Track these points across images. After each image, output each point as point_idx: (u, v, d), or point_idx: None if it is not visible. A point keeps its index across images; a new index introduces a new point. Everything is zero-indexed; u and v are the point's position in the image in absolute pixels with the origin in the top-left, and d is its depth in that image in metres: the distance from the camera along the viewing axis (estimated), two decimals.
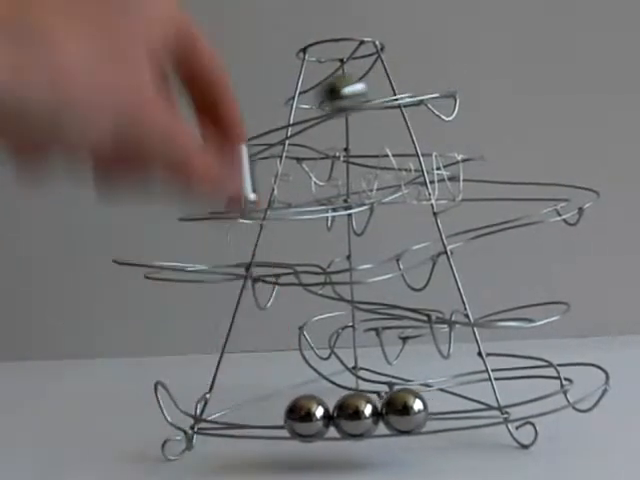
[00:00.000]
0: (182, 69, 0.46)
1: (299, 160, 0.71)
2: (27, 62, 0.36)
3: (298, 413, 0.57)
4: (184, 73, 0.46)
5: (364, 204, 0.65)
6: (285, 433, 0.57)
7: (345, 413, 0.56)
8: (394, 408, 0.56)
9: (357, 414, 0.56)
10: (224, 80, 0.48)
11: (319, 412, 0.57)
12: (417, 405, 0.56)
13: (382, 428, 0.57)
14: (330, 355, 0.74)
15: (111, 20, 0.40)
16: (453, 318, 0.61)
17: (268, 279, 0.65)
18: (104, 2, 0.40)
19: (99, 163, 0.42)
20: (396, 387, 0.59)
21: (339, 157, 0.71)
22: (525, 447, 0.60)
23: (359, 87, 0.63)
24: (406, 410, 0.56)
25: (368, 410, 0.56)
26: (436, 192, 0.63)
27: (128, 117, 0.40)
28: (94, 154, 0.41)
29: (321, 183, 0.67)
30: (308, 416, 0.56)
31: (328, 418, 0.57)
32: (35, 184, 0.42)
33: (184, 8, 0.44)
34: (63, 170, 0.42)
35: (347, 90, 0.62)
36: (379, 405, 0.57)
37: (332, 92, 0.62)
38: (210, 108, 0.48)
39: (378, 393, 0.60)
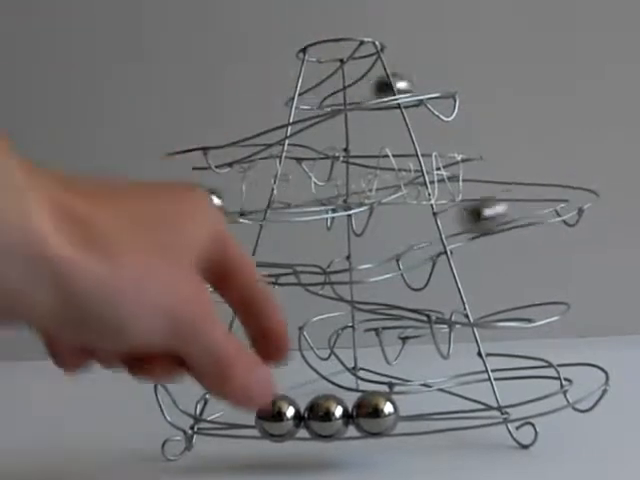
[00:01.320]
0: (218, 278, 0.47)
1: (299, 160, 0.71)
2: (94, 256, 0.37)
3: (270, 412, 0.57)
4: (219, 282, 0.48)
5: (364, 204, 0.65)
6: None
7: (316, 414, 0.57)
8: (364, 411, 0.56)
9: (328, 415, 0.56)
10: (263, 290, 0.49)
11: (290, 412, 0.57)
12: (387, 408, 0.56)
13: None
14: (330, 355, 0.74)
15: (157, 230, 0.41)
16: (453, 318, 0.61)
17: (268, 279, 0.65)
18: (149, 212, 0.42)
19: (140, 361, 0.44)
20: (366, 391, 0.59)
21: (339, 157, 0.71)
22: (525, 447, 0.60)
23: (500, 209, 0.64)
24: (376, 413, 0.56)
25: (339, 412, 0.56)
26: (436, 192, 0.63)
27: (183, 325, 0.41)
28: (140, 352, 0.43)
29: (321, 183, 0.67)
30: (279, 415, 0.57)
31: (299, 419, 0.57)
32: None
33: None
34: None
35: (488, 212, 0.63)
36: (350, 407, 0.57)
37: (474, 214, 0.62)
38: (251, 317, 0.49)
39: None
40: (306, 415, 0.57)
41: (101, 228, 0.39)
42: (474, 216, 0.62)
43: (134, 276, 0.39)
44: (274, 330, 0.49)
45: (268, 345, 0.48)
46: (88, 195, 0.40)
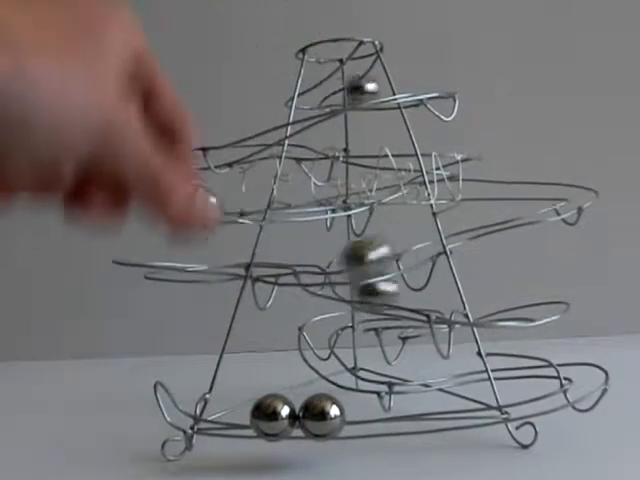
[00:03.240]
0: (139, 94, 0.45)
1: (298, 160, 0.71)
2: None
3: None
4: (141, 98, 0.46)
5: (363, 204, 0.65)
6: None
7: (262, 414, 0.57)
8: (311, 413, 0.56)
9: (274, 415, 0.57)
10: (183, 114, 0.47)
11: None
12: (333, 411, 0.56)
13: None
14: (330, 355, 0.74)
15: (80, 36, 0.39)
16: (453, 318, 0.61)
17: (268, 279, 0.65)
18: (74, 17, 0.40)
19: (70, 190, 0.41)
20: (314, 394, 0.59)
21: (339, 157, 0.71)
22: (525, 447, 0.60)
23: (383, 251, 0.63)
24: (322, 415, 0.56)
25: (285, 412, 0.56)
26: (435, 192, 0.63)
27: (104, 136, 0.40)
28: (64, 178, 0.40)
29: (321, 183, 0.67)
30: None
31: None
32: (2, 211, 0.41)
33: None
34: (32, 197, 0.41)
35: (372, 255, 0.62)
36: (297, 409, 0.57)
37: (356, 258, 0.62)
38: (166, 135, 0.47)
39: (378, 393, 0.60)
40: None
41: (15, 30, 0.38)
42: (357, 260, 0.62)
43: (52, 74, 0.37)
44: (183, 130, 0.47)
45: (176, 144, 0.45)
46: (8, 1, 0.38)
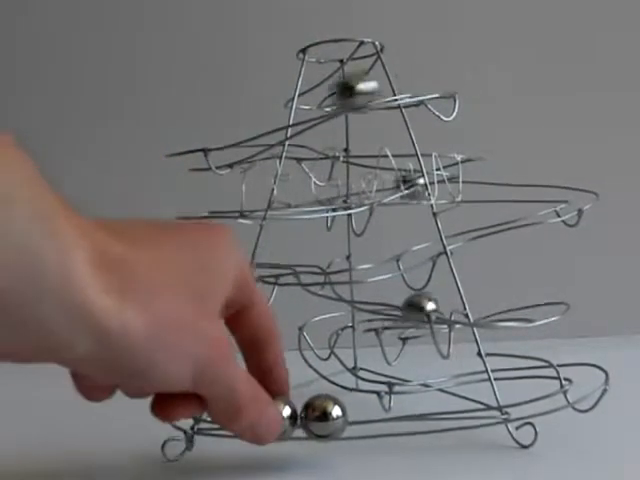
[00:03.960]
0: (232, 315, 0.49)
1: (299, 160, 0.71)
2: (130, 306, 0.39)
3: None
4: (237, 321, 0.49)
5: (364, 204, 0.65)
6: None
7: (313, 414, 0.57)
8: (313, 414, 0.56)
9: (325, 416, 0.57)
10: (276, 338, 0.53)
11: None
12: (335, 411, 0.56)
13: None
14: (330, 355, 0.74)
15: (193, 278, 0.43)
16: (453, 318, 0.61)
17: (268, 279, 0.65)
18: (187, 260, 0.43)
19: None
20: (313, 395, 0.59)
21: (339, 157, 0.71)
22: (525, 447, 0.60)
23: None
24: (325, 416, 0.56)
25: (286, 412, 0.56)
26: (436, 193, 0.63)
27: (207, 369, 0.43)
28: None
29: (321, 183, 0.67)
30: None
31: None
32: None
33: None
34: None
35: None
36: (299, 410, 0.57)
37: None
38: (258, 360, 0.52)
39: (378, 393, 0.60)
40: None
41: (137, 274, 0.40)
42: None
43: (167, 326, 0.40)
44: (276, 376, 0.51)
45: (268, 386, 0.50)
46: (125, 240, 0.40)
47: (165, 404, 0.46)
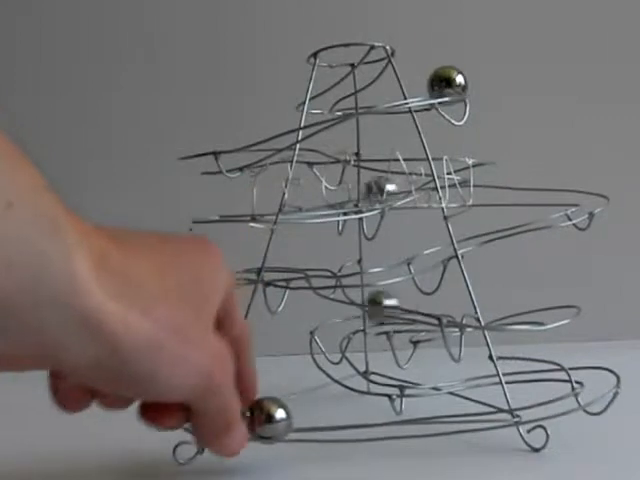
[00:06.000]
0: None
1: (310, 164, 0.71)
2: (134, 311, 0.39)
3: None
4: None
5: (375, 208, 0.65)
6: (299, 436, 0.57)
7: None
8: (260, 415, 0.56)
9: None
10: (249, 350, 0.53)
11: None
12: (279, 414, 0.56)
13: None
14: (341, 359, 0.74)
15: (191, 287, 0.44)
16: (464, 322, 0.61)
17: (279, 283, 0.65)
18: (185, 269, 0.44)
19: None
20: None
21: (350, 161, 0.72)
22: (536, 450, 0.60)
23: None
24: (269, 418, 0.56)
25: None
26: (447, 196, 0.63)
27: (209, 382, 0.44)
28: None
29: (332, 187, 0.67)
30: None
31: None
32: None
33: None
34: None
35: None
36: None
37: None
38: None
39: (389, 396, 0.60)
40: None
41: (138, 280, 0.40)
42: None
43: (171, 331, 0.40)
44: (247, 385, 0.52)
45: (239, 393, 0.50)
46: (125, 246, 0.40)
47: (155, 412, 0.47)
